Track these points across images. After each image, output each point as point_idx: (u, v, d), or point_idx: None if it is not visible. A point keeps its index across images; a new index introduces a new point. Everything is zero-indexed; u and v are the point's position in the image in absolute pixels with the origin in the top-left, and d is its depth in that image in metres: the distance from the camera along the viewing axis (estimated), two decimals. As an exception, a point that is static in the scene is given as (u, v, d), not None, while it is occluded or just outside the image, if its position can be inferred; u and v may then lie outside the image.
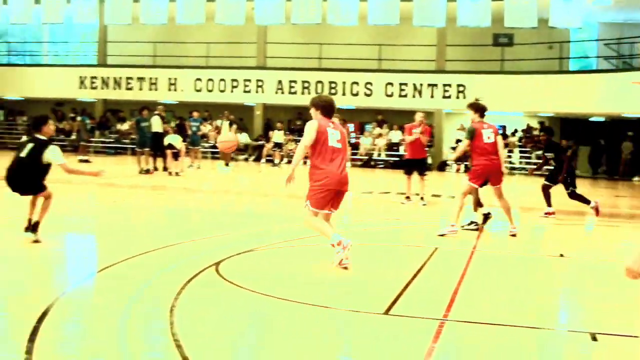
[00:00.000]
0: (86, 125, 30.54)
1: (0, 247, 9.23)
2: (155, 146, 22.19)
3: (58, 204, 9.83)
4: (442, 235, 10.90)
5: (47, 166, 9.23)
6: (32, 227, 9.20)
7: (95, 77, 34.87)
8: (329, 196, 8.16)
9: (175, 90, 33.40)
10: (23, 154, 9.13)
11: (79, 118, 32.84)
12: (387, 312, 6.34)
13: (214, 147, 29.77)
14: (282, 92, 32.19)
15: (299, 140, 10.41)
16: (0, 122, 39.03)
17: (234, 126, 27.13)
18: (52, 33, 38.50)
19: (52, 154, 9.14)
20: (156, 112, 22.65)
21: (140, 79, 34.06)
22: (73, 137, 31.96)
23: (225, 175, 23.48)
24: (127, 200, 15.21)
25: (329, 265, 8.03)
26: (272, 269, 8.27)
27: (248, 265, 8.43)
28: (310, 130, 8.12)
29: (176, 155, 21.69)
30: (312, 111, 8.43)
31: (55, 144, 9.35)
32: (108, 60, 35.82)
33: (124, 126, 34.31)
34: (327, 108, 8.36)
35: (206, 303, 6.55)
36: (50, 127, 9.40)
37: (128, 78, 34.29)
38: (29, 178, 9.17)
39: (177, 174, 21.37)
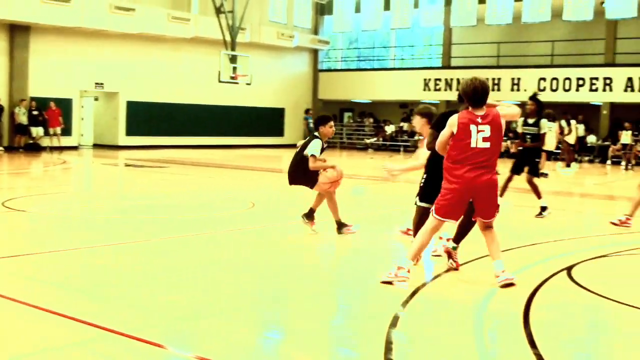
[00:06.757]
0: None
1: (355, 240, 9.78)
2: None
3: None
4: None
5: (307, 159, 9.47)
6: (307, 215, 9.74)
7: (439, 79, 35.66)
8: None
9: (518, 90, 33.01)
10: (299, 148, 9.65)
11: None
12: None
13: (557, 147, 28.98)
14: (632, 90, 30.40)
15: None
16: (349, 124, 41.51)
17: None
18: (399, 37, 40.05)
19: (310, 146, 9.38)
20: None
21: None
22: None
23: (566, 177, 22.75)
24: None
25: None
26: (627, 276, 7.84)
27: (601, 271, 8.09)
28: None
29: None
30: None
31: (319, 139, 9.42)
32: (452, 62, 36.44)
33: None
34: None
35: (560, 307, 6.38)
36: (329, 129, 9.51)
37: (471, 79, 34.53)
38: (294, 169, 9.61)
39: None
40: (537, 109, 12.40)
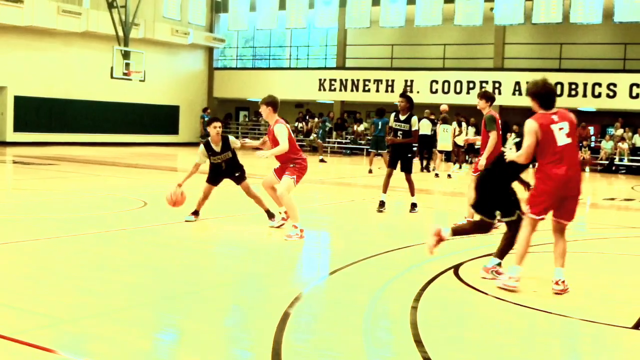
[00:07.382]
0: (326, 127, 31.58)
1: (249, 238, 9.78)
2: (423, 147, 24.09)
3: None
4: None
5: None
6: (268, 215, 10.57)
7: (334, 80, 36.00)
8: None
9: (411, 92, 33.61)
10: None
11: (315, 119, 34.08)
12: (637, 326, 6.00)
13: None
14: (520, 94, 31.44)
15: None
16: (245, 123, 41.39)
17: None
18: (295, 37, 40.18)
19: None
20: (425, 115, 23.44)
21: (377, 81, 34.70)
22: (312, 137, 33.15)
23: (458, 177, 23.33)
24: (365, 199, 15.52)
25: (575, 274, 7.74)
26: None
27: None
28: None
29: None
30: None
31: (203, 145, 10.64)
32: (347, 62, 36.83)
33: (360, 127, 35.14)
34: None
35: (446, 305, 6.55)
36: (212, 129, 10.49)
37: (365, 80, 35.06)
38: None
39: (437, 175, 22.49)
40: (408, 106, 12.71)
